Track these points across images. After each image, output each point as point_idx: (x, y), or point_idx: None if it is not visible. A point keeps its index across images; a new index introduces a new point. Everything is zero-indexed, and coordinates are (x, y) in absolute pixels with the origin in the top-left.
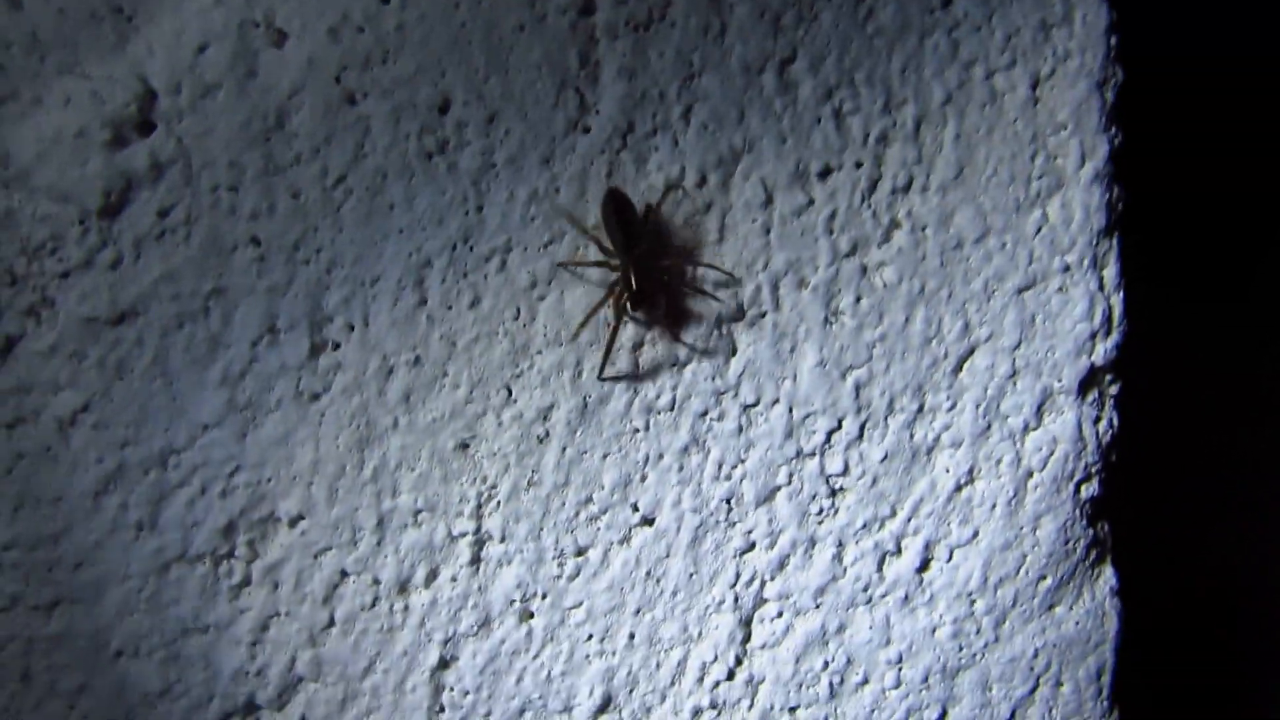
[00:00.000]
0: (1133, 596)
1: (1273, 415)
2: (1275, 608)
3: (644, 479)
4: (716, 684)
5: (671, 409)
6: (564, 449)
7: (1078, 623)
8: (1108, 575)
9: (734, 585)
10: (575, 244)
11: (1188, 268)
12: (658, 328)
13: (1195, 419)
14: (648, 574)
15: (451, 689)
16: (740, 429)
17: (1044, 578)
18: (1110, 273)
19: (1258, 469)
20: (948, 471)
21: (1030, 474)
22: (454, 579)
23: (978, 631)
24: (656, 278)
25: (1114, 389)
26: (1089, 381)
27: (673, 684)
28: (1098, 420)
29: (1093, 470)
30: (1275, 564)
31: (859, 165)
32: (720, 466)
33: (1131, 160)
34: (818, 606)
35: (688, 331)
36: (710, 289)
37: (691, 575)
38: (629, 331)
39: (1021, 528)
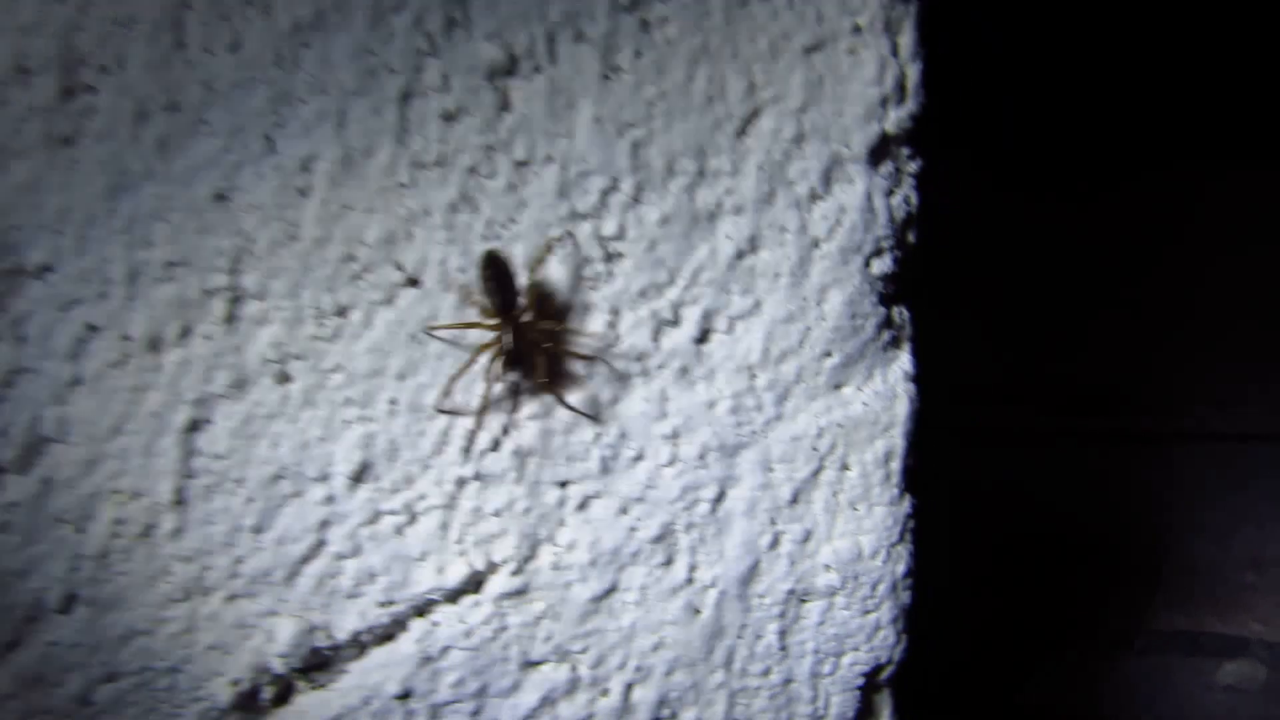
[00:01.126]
0: (932, 390)
1: (1093, 226)
2: (1072, 402)
3: (409, 237)
4: (482, 454)
5: (440, 164)
6: (325, 203)
7: (865, 404)
8: (903, 360)
9: None
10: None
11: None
12: (540, 390)
13: (1017, 230)
14: (412, 337)
15: (203, 452)
16: (512, 186)
17: (829, 354)
18: (906, 40)
19: (1084, 278)
20: (729, 238)
21: (816, 244)
22: (208, 337)
23: (758, 407)
24: (534, 340)
25: (913, 165)
26: (880, 151)
27: (436, 454)
28: (891, 193)
29: (884, 245)
30: (1077, 370)
31: None
32: (490, 226)
33: None
34: (590, 376)
35: (570, 394)
36: (589, 350)
37: (458, 339)
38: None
39: (806, 299)
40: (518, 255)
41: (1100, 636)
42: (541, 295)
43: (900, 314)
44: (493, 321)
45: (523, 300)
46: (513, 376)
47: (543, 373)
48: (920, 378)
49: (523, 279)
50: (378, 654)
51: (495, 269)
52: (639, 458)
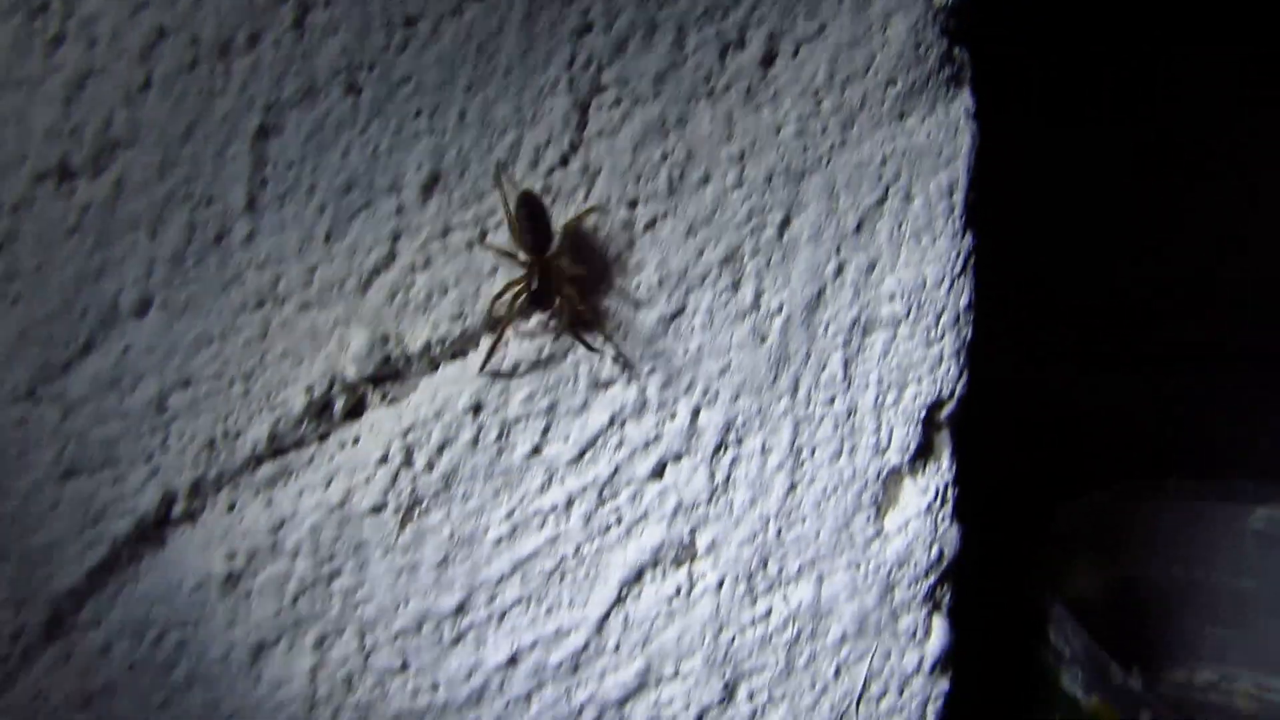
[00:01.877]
0: (989, 132)
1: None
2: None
3: None
4: (551, 170)
5: None
6: None
7: (929, 134)
8: (964, 97)
9: (570, 67)
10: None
11: None
12: (556, 329)
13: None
14: (479, 49)
15: (275, 161)
16: None
17: (894, 82)
18: None
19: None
20: None
21: None
22: (277, 43)
23: (823, 131)
24: (559, 284)
25: None
26: None
27: (506, 166)
28: None
29: None
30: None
31: None
32: None
33: None
34: (657, 95)
35: (587, 336)
36: (608, 309)
37: (525, 53)
38: None
39: (870, 25)
40: None
41: (1128, 486)
42: (576, 243)
43: (961, 52)
44: (523, 259)
45: (555, 243)
46: (537, 315)
47: (566, 316)
48: (980, 115)
49: (559, 221)
50: (449, 369)
51: (530, 208)
52: (706, 179)
